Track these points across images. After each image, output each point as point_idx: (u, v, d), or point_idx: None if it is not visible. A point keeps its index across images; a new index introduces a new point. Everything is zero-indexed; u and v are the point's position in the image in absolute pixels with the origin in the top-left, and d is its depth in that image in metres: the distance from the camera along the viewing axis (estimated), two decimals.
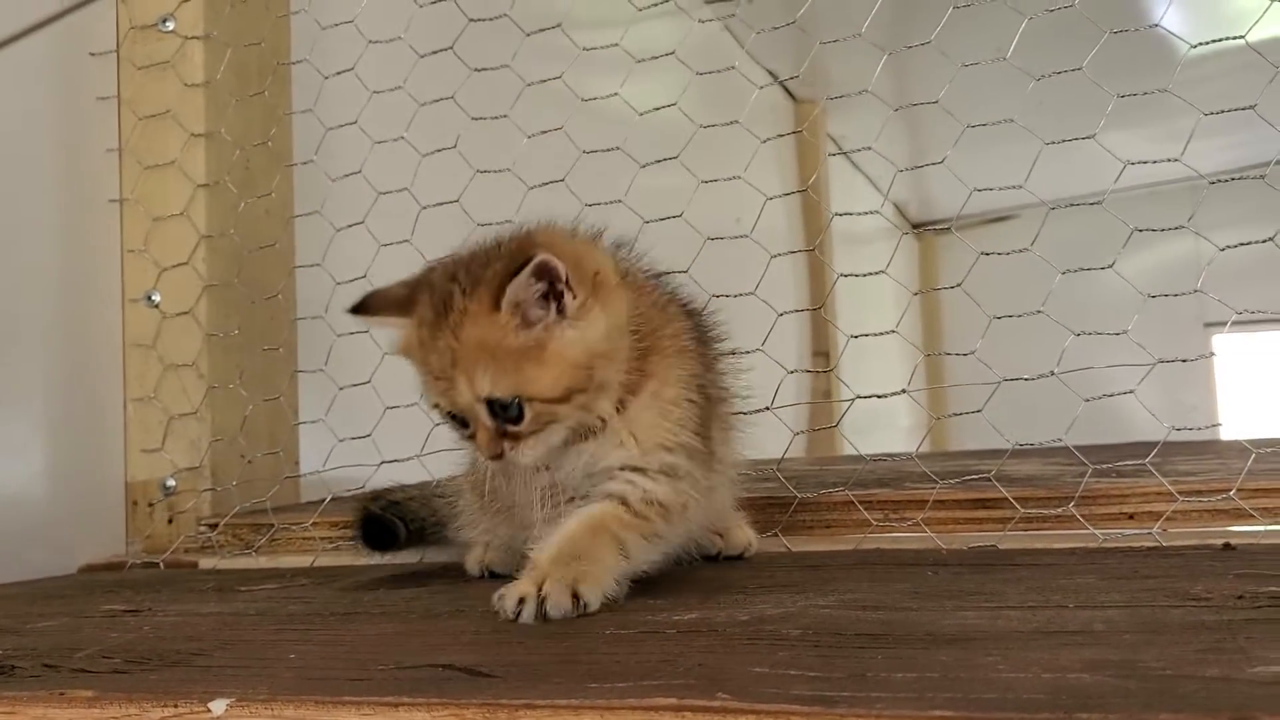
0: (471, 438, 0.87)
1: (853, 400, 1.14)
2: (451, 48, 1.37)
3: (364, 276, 1.32)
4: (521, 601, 0.80)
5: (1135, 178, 1.11)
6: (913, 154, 4.98)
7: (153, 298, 1.46)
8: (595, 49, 1.37)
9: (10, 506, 1.35)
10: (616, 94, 1.37)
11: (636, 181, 1.30)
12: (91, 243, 1.48)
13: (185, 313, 1.43)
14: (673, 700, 0.54)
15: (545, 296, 0.83)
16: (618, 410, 0.88)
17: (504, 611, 0.80)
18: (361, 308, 0.92)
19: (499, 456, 0.85)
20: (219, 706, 0.61)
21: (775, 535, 1.13)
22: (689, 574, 0.99)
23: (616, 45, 1.33)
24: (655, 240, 1.28)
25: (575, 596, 0.80)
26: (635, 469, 0.88)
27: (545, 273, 0.82)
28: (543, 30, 1.38)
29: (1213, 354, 4.62)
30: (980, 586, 0.83)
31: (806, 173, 4.63)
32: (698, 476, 0.90)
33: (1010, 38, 1.15)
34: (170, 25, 1.48)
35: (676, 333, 0.92)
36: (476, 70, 1.36)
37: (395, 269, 1.33)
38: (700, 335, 0.96)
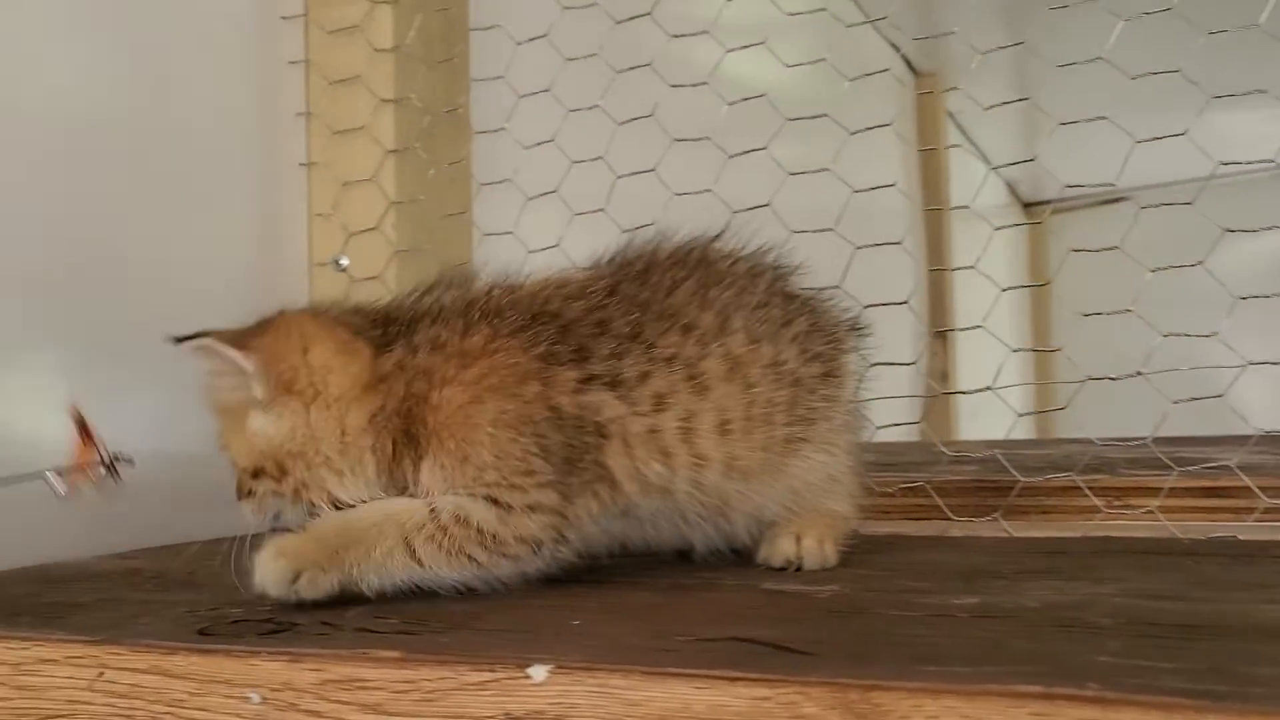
0: None
1: (1084, 381, 1.10)
2: (650, 14, 1.35)
3: (556, 245, 1.32)
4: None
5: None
6: (1027, 132, 4.87)
7: (341, 262, 1.47)
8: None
9: (201, 467, 1.37)
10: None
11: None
12: (280, 206, 1.49)
13: (374, 277, 1.44)
14: (1038, 688, 0.52)
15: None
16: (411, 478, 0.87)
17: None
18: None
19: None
20: (539, 673, 0.60)
21: (995, 519, 1.10)
22: (910, 557, 0.97)
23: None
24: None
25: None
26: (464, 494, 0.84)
27: (208, 354, 0.86)
28: None
29: None
30: (1261, 578, 0.80)
31: (925, 146, 4.55)
32: (549, 506, 0.84)
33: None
34: None
35: (466, 385, 0.85)
36: (675, 36, 1.34)
37: (589, 238, 1.33)
38: (563, 349, 0.87)
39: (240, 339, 0.87)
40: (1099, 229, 1.19)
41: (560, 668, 0.60)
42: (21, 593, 0.94)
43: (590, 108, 1.37)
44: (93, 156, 1.24)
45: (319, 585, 0.80)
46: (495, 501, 0.82)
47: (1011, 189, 6.37)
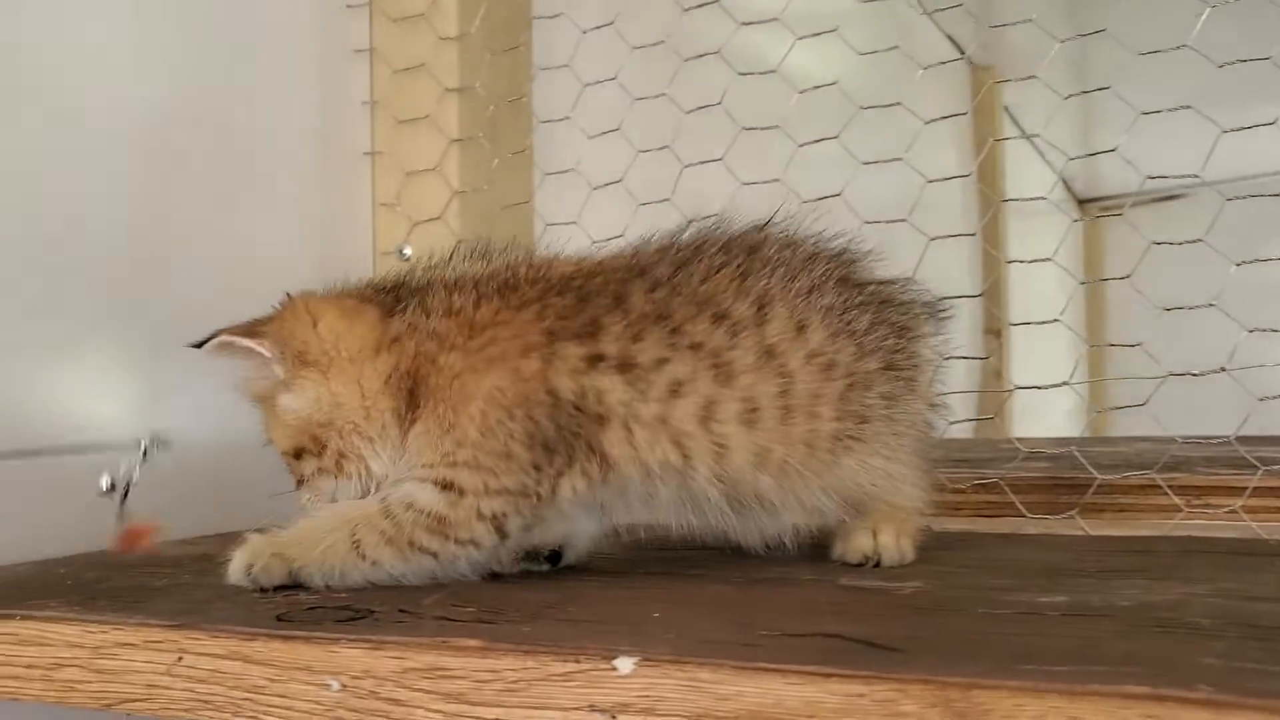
0: None
1: (1164, 378, 1.07)
2: (718, 1, 1.34)
3: (621, 235, 1.30)
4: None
5: None
6: (1085, 127, 4.81)
7: (404, 251, 1.46)
8: None
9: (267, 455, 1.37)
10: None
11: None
12: (345, 196, 1.49)
13: None
14: (1146, 689, 0.51)
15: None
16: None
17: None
18: None
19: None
20: (625, 665, 0.59)
21: (1072, 517, 1.08)
22: (988, 554, 0.95)
23: None
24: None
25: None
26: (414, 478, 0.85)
27: (227, 349, 0.89)
28: None
29: None
30: None
31: (981, 141, 4.51)
32: (516, 490, 0.83)
33: None
34: None
35: (476, 349, 0.85)
36: (744, 24, 1.32)
37: (654, 228, 1.32)
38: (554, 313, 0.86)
39: (252, 329, 0.89)
40: (1156, 224, 1.16)
41: (647, 659, 0.59)
42: (94, 577, 0.94)
43: (656, 96, 1.35)
44: (158, 150, 1.24)
45: (273, 573, 0.83)
46: (449, 485, 0.82)
47: (1067, 184, 6.29)
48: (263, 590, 0.83)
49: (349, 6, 1.50)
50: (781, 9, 1.29)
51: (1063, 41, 1.18)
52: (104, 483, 1.04)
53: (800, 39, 1.29)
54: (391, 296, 0.91)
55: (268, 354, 0.88)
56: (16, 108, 1.10)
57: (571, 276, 0.89)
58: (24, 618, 0.77)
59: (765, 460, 0.85)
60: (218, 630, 0.70)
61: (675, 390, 0.84)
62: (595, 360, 0.84)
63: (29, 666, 0.75)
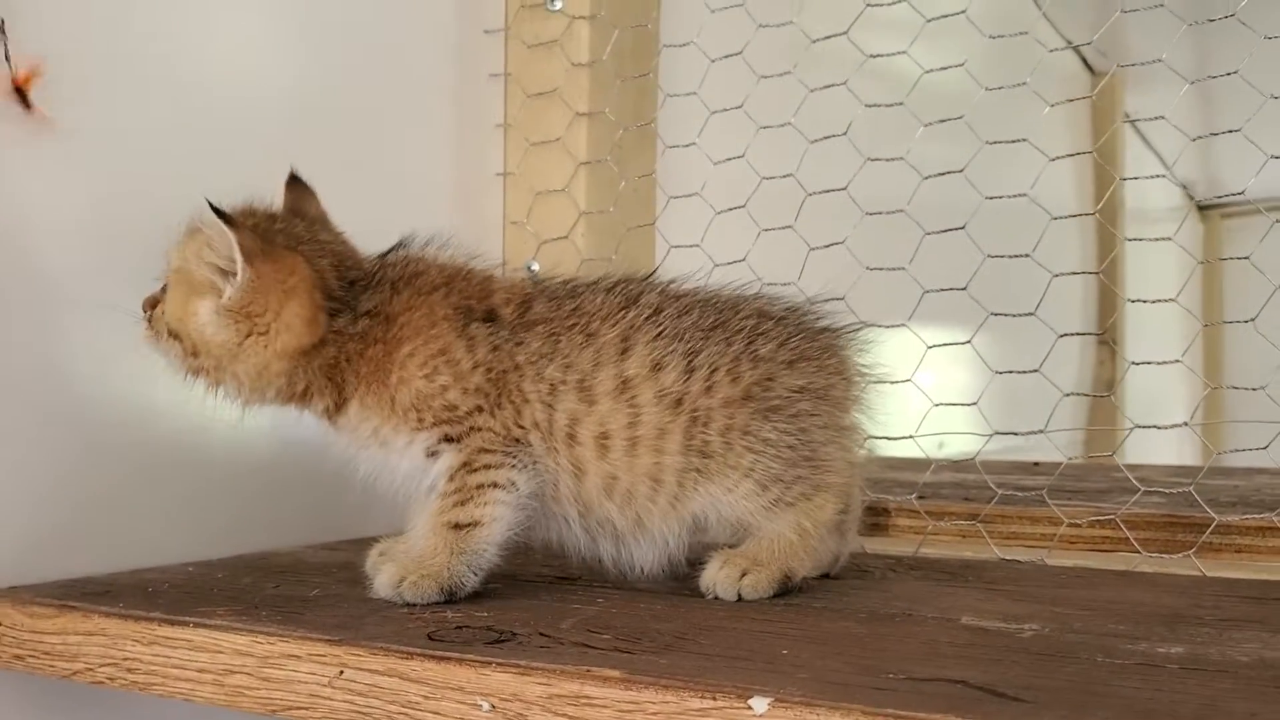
0: None
1: None
2: (846, 33, 1.36)
3: (743, 259, 1.34)
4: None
5: None
6: (1205, 132, 4.69)
7: (532, 268, 1.52)
8: None
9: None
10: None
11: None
12: (477, 213, 1.55)
13: None
14: None
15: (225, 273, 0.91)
16: (333, 410, 0.96)
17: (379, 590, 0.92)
18: None
19: None
20: (760, 705, 0.63)
21: (1188, 556, 1.09)
22: (1105, 595, 0.97)
23: None
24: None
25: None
26: (430, 454, 0.93)
27: (221, 239, 0.90)
28: None
29: None
30: None
31: (1103, 150, 4.43)
32: (485, 426, 0.92)
33: None
34: (558, 4, 1.53)
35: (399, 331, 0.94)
36: (871, 56, 1.35)
37: (776, 253, 1.35)
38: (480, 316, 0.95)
39: (252, 247, 0.90)
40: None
41: (780, 701, 0.63)
42: (249, 583, 1.01)
43: (782, 125, 1.38)
44: (299, 161, 1.31)
45: (422, 591, 0.90)
46: (445, 441, 0.92)
47: (1186, 190, 6.14)
48: (409, 605, 0.89)
49: (486, 33, 1.56)
50: (909, 43, 1.31)
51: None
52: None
53: (928, 73, 1.31)
54: (342, 298, 0.95)
55: (238, 280, 0.90)
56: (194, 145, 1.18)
57: (488, 278, 1.00)
58: (196, 625, 0.84)
59: (613, 487, 0.93)
60: (376, 647, 0.76)
61: (552, 391, 0.93)
62: (497, 332, 0.94)
63: (201, 671, 0.82)
